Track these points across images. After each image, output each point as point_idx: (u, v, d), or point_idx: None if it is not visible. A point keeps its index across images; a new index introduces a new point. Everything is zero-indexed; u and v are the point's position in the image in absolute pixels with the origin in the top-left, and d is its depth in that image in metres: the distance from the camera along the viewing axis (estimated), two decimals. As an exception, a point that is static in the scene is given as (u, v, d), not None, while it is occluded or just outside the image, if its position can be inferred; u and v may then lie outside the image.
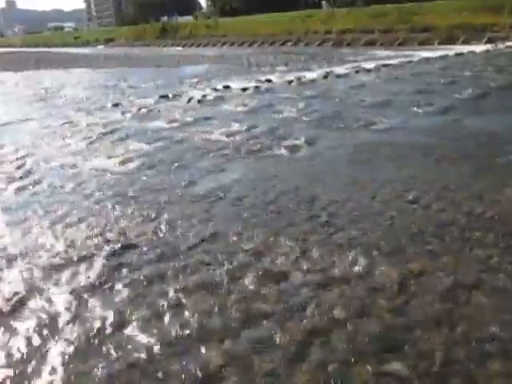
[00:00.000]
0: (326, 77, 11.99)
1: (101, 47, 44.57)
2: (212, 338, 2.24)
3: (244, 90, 10.49)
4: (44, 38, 66.25)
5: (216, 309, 2.46)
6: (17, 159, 5.74)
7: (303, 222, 3.42)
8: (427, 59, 14.75)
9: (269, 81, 11.76)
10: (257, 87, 10.85)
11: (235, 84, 11.55)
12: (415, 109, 7.27)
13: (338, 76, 12.03)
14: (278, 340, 2.20)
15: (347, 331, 2.22)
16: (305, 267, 2.80)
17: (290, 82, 11.43)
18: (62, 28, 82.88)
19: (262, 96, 9.71)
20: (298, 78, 11.82)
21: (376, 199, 3.77)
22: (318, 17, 31.27)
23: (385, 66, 13.57)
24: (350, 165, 4.75)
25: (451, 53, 15.99)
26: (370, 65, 13.79)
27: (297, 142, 5.66)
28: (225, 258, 2.96)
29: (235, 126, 6.75)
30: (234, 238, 3.22)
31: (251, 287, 2.63)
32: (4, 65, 26.37)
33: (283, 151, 5.34)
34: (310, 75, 12.35)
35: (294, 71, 13.74)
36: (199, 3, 73.17)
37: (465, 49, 17.29)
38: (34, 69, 22.79)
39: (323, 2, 43.17)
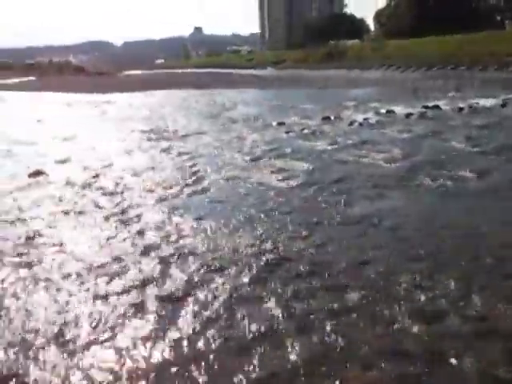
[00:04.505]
0: (504, 105, 10.90)
1: (270, 69, 47.47)
2: (353, 364, 2.21)
3: (408, 115, 10.12)
4: (221, 59, 73.27)
5: (359, 337, 2.41)
6: (190, 167, 6.43)
7: (466, 262, 3.15)
8: None
9: (436, 107, 11.16)
10: (422, 113, 10.38)
11: (399, 109, 11.22)
12: None
13: (520, 105, 10.84)
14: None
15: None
16: (463, 312, 2.58)
17: (461, 109, 10.68)
18: (238, 51, 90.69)
19: (428, 123, 9.25)
20: (471, 106, 10.98)
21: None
22: (496, 38, 28.58)
23: None
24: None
25: None
26: (562, 93, 12.12)
27: (464, 173, 5.26)
28: (375, 286, 2.89)
29: (396, 152, 6.55)
30: (387, 268, 3.12)
31: (401, 322, 2.52)
32: (187, 84, 29.75)
33: (447, 182, 5.00)
34: (484, 102, 11.40)
35: (466, 98, 12.80)
36: (367, 26, 72.93)
37: None
38: (210, 88, 25.29)
39: (507, 22, 39.37)
